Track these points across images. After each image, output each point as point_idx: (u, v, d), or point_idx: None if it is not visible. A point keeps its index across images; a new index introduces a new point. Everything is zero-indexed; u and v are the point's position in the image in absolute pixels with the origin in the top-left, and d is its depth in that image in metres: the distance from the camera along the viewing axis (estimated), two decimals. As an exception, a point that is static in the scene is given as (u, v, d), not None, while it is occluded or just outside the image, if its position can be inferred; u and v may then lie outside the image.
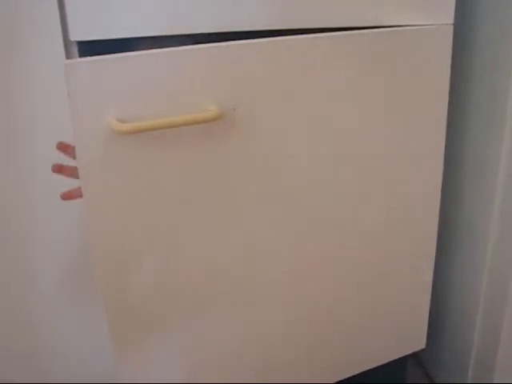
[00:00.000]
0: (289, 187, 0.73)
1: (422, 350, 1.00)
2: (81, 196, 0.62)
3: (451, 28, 0.78)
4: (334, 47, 0.69)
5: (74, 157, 0.62)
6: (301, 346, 0.85)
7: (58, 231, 0.84)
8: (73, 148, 0.60)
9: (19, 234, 0.83)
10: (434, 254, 0.89)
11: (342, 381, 0.91)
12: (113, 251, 0.65)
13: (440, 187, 0.86)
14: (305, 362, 0.87)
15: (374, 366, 0.94)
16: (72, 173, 0.67)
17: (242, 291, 0.76)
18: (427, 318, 0.94)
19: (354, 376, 0.93)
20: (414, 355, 1.16)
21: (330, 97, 0.71)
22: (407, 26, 0.75)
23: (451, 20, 0.78)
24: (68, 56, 0.72)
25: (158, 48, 0.79)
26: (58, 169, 0.69)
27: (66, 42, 0.71)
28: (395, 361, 0.97)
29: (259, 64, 0.65)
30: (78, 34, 0.67)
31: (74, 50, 0.71)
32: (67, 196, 0.71)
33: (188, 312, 0.73)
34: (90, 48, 0.69)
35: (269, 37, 0.66)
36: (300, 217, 0.76)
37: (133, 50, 0.84)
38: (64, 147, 0.68)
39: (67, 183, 0.68)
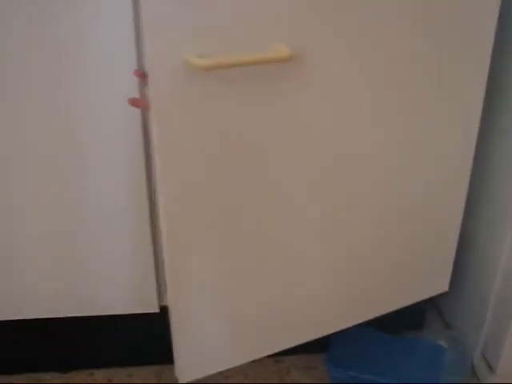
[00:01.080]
0: (345, 132, 0.76)
1: (442, 296, 1.06)
2: (146, 108, 0.64)
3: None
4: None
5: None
6: (330, 285, 0.89)
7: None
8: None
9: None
10: (464, 198, 0.94)
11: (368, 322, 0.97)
12: (179, 181, 0.68)
13: (473, 150, 0.90)
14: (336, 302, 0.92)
15: (400, 307, 0.98)
16: (146, 106, 0.69)
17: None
18: (452, 260, 0.99)
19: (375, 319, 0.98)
20: (434, 303, 1.21)
21: (386, 51, 0.74)
22: None
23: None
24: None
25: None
26: (134, 101, 0.73)
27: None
28: (414, 306, 1.02)
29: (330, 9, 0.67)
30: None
31: None
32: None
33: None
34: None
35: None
36: (351, 162, 0.80)
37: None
38: (141, 74, 0.72)
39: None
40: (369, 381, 0.96)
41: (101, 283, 0.95)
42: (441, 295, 1.06)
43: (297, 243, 0.81)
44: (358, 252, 0.89)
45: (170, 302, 0.76)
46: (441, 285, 1.02)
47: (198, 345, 0.80)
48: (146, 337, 1.04)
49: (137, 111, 0.79)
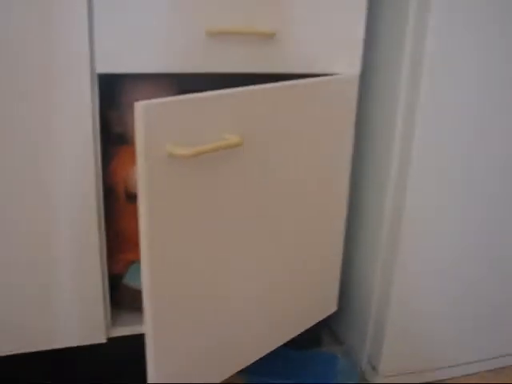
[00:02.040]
0: (276, 195, 1.03)
1: (333, 318, 1.33)
2: None
3: (357, 77, 1.12)
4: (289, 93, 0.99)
5: None
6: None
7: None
8: None
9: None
10: (343, 230, 1.22)
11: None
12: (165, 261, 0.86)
13: (347, 187, 1.19)
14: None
15: (302, 330, 1.20)
16: None
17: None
18: (338, 284, 1.25)
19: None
20: (327, 324, 1.47)
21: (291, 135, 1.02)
22: (324, 74, 1.08)
23: (358, 71, 1.12)
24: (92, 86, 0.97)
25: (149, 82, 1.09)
26: None
27: (92, 74, 0.97)
28: (312, 328, 1.27)
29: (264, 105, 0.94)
30: (103, 68, 0.95)
31: (95, 80, 0.98)
32: None
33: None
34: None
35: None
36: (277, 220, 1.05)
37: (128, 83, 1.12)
38: None
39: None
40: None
41: (51, 318, 1.09)
42: (332, 317, 1.32)
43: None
44: (271, 286, 1.10)
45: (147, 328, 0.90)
46: (331, 306, 1.28)
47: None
48: (94, 366, 1.21)
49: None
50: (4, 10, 0.88)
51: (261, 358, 1.14)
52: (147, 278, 0.86)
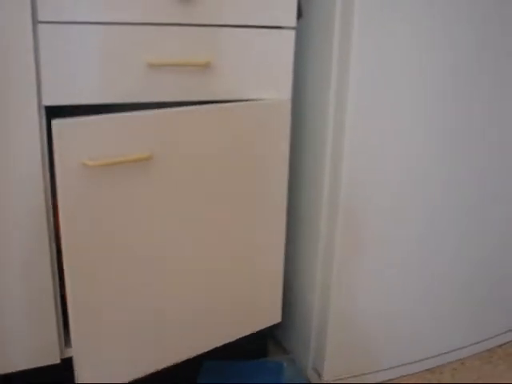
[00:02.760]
0: (191, 204, 1.11)
1: (279, 329, 1.40)
2: None
3: (288, 101, 1.21)
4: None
5: None
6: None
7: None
8: None
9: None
10: (283, 245, 1.29)
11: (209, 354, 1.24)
12: (79, 246, 0.96)
13: (285, 206, 1.27)
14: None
15: (243, 335, 1.27)
16: None
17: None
18: (281, 295, 1.32)
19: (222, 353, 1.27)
20: (273, 335, 1.54)
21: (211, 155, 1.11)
22: (258, 99, 1.17)
23: (289, 95, 1.21)
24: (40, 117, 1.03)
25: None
26: None
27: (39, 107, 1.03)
28: (258, 339, 1.34)
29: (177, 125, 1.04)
30: (49, 101, 1.02)
31: (42, 112, 1.04)
32: None
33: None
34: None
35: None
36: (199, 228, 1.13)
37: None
38: None
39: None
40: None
41: (3, 341, 1.11)
42: (277, 329, 1.40)
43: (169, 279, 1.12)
44: (202, 294, 1.18)
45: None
46: (274, 317, 1.34)
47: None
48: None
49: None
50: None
51: (209, 369, 1.21)
52: (68, 287, 0.97)
